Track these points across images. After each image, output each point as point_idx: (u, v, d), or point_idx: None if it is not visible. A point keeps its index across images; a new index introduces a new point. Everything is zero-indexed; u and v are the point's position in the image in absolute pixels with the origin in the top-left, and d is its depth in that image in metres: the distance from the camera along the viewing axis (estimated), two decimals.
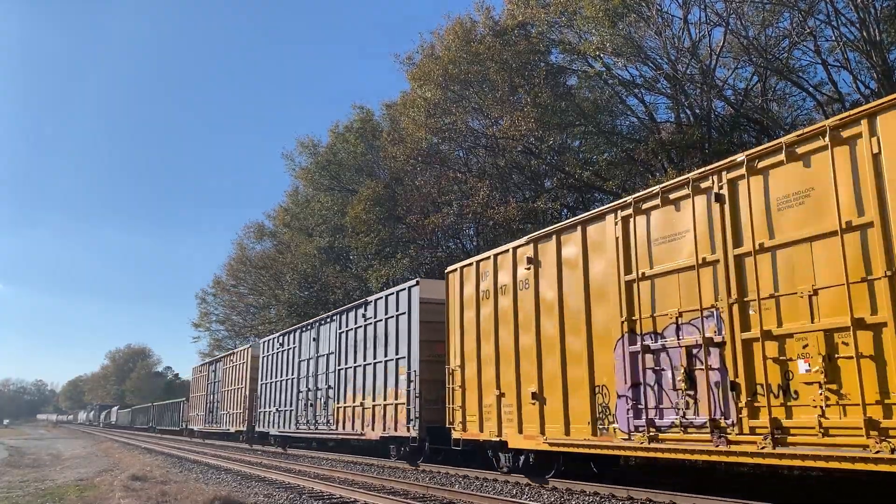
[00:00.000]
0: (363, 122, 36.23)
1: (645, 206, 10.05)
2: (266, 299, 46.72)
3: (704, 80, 20.60)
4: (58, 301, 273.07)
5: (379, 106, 36.78)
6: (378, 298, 19.04)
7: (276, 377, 26.64)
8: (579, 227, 11.32)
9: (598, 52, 21.62)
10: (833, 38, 19.80)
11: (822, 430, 7.42)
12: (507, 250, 13.07)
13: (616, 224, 10.50)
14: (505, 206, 24.30)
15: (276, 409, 26.12)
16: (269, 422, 27.16)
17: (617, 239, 10.43)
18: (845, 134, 7.61)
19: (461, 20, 25.72)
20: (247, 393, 30.27)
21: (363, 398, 19.11)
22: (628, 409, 9.95)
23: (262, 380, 28.27)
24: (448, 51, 25.12)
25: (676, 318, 9.37)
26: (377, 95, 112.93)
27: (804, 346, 7.70)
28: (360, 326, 19.67)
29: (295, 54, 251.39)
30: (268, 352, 28.12)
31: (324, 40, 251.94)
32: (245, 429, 30.37)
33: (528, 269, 12.23)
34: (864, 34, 18.07)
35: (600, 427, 10.58)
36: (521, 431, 12.35)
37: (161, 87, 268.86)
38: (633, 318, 9.99)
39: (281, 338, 26.59)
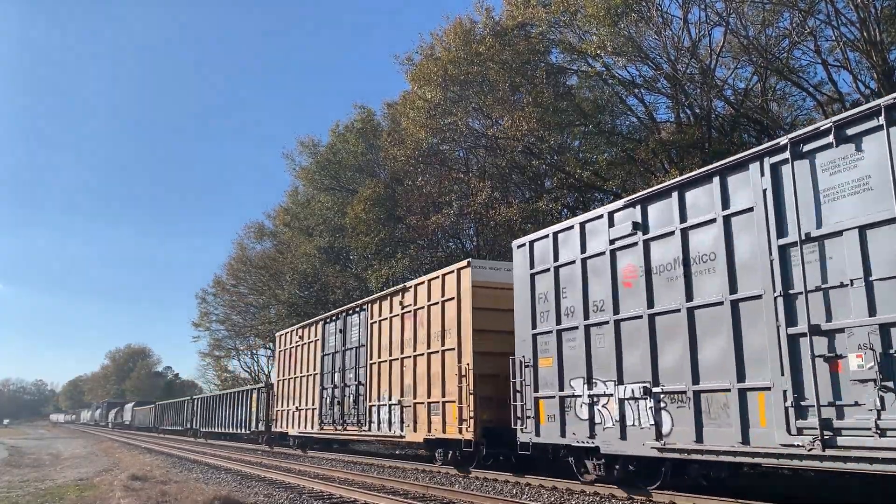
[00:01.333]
0: (364, 122, 36.26)
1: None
2: (266, 299, 46.76)
3: (704, 80, 20.59)
4: (58, 301, 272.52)
5: (380, 105, 36.86)
6: None
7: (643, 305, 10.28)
8: None
9: (598, 52, 21.60)
10: (833, 37, 19.81)
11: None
12: None
13: None
14: (507, 206, 24.32)
15: (662, 392, 9.89)
16: (591, 419, 11.06)
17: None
18: None
19: (461, 20, 25.72)
20: (469, 362, 14.34)
21: None
22: None
23: (543, 324, 12.21)
24: (448, 51, 25.10)
25: None
26: (379, 94, 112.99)
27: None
28: None
29: (296, 53, 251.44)
30: (548, 261, 12.24)
31: (325, 40, 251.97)
32: (470, 437, 14.13)
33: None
34: (864, 34, 18.05)
35: None
36: None
37: (161, 86, 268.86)
38: None
39: (636, 210, 10.53)
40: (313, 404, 23.20)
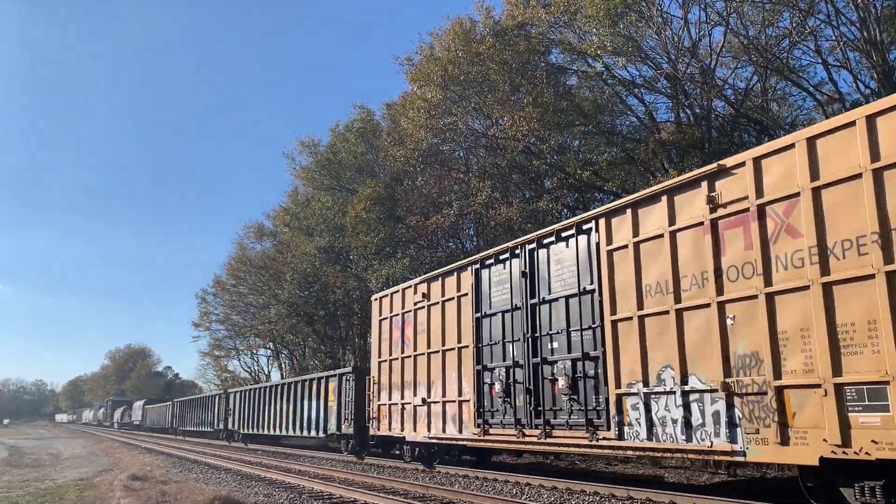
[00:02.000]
0: (363, 122, 36.26)
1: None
2: (266, 299, 46.74)
3: (704, 80, 20.58)
4: (58, 301, 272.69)
5: (380, 105, 36.86)
6: None
7: None
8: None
9: (598, 52, 21.59)
10: (833, 37, 19.79)
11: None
12: None
13: None
14: (507, 206, 24.30)
15: None
16: None
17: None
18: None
19: (461, 20, 25.69)
20: None
21: None
22: None
23: None
24: (448, 51, 25.07)
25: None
26: (379, 94, 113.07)
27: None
28: None
29: (296, 53, 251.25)
30: None
31: (325, 40, 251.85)
32: None
33: None
34: (864, 34, 18.04)
35: None
36: None
37: (161, 86, 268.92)
38: None
39: None
40: (459, 395, 15.12)
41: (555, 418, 12.28)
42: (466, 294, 15.23)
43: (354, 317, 43.65)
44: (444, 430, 15.56)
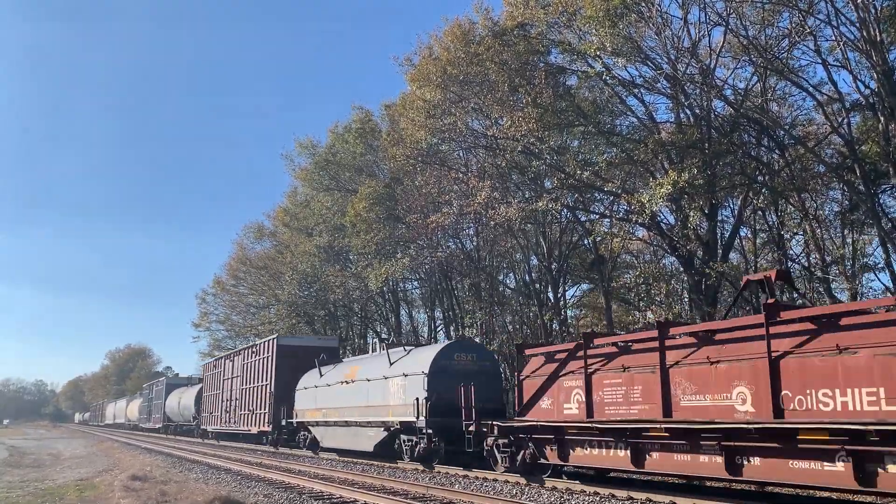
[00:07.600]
0: (362, 123, 36.20)
1: None
2: (266, 299, 46.72)
3: (704, 80, 20.56)
4: (58, 301, 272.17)
5: (379, 107, 36.81)
6: None
7: None
8: None
9: (598, 52, 21.57)
10: (833, 37, 19.79)
11: None
12: None
13: None
14: (506, 206, 24.26)
15: None
16: None
17: None
18: None
19: (460, 21, 25.66)
20: None
21: None
22: None
23: None
24: (447, 52, 25.06)
25: None
26: (379, 96, 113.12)
27: None
28: None
29: (296, 54, 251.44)
30: None
31: (326, 40, 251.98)
32: None
33: None
34: (864, 34, 18.03)
35: None
36: None
37: (163, 86, 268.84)
38: None
39: None
40: None
41: None
42: None
43: (354, 317, 43.65)
44: None
